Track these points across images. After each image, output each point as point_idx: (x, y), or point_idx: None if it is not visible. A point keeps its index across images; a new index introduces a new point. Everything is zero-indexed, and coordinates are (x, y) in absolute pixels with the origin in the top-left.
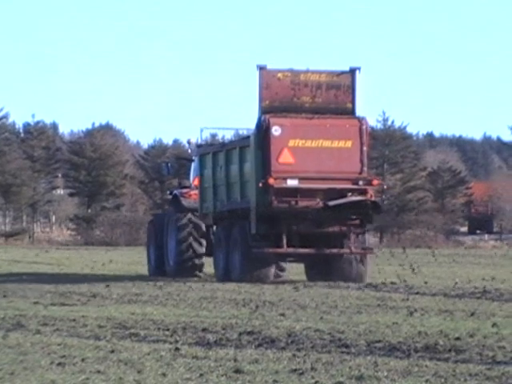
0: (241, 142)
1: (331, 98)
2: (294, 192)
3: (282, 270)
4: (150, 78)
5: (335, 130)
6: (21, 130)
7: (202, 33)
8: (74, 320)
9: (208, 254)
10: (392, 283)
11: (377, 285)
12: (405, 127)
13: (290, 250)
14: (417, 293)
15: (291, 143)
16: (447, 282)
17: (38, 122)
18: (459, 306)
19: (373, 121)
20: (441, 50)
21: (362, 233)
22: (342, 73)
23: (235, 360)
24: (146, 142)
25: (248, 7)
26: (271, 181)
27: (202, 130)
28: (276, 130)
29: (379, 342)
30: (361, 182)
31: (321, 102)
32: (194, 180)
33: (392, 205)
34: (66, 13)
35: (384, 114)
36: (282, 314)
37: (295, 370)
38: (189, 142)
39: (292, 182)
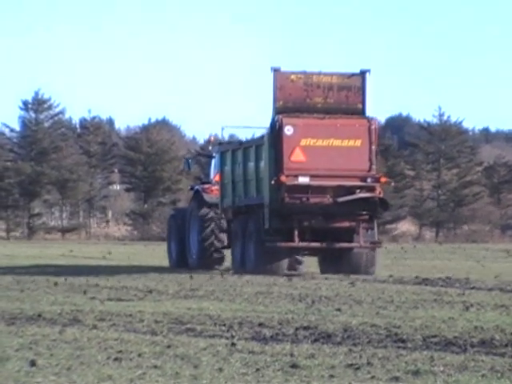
0: (256, 141)
1: (342, 98)
2: (305, 189)
3: (300, 262)
4: (206, 73)
5: (345, 129)
6: (77, 126)
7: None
8: (131, 315)
9: (229, 246)
10: (448, 278)
11: (433, 280)
12: (461, 122)
13: (302, 244)
14: (473, 288)
15: (303, 142)
16: (503, 277)
17: (94, 118)
18: None
19: (428, 115)
20: (495, 45)
21: (370, 228)
22: (353, 75)
23: (291, 355)
24: (201, 138)
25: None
26: (283, 178)
27: (223, 129)
28: (288, 130)
29: (435, 336)
30: (369, 180)
31: (332, 103)
32: (215, 176)
33: (448, 200)
34: (123, 8)
35: (440, 109)
36: (338, 309)
37: (351, 364)
38: (209, 140)
39: (303, 180)
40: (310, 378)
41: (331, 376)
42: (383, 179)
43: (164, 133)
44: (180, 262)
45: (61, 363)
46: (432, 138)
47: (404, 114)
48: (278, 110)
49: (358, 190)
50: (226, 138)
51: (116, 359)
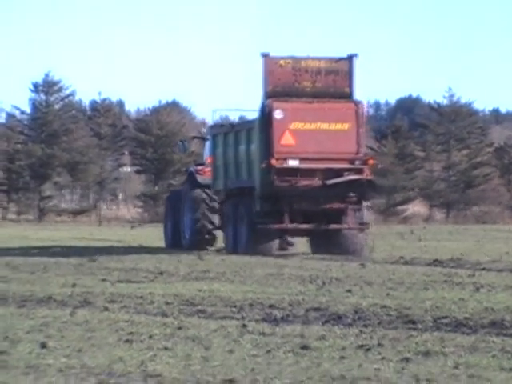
0: (247, 125)
1: (330, 82)
2: (294, 172)
3: (290, 244)
4: (211, 58)
5: (333, 113)
6: (87, 108)
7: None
8: (142, 297)
9: (221, 228)
10: (458, 259)
11: (443, 261)
12: (471, 103)
13: (291, 225)
14: (483, 269)
15: (292, 126)
16: None
17: (104, 100)
18: None
19: (439, 97)
20: (506, 25)
21: (358, 209)
22: (340, 59)
23: (302, 336)
24: (212, 120)
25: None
26: (273, 161)
27: (214, 112)
28: (278, 114)
29: (446, 317)
30: (357, 162)
31: (320, 87)
32: (207, 158)
33: (458, 181)
34: None
35: (450, 90)
36: (349, 291)
37: (362, 346)
38: (203, 123)
39: (293, 163)
40: (321, 359)
41: (342, 357)
42: (371, 161)
43: (174, 115)
44: (175, 242)
45: (71, 345)
46: (442, 119)
47: (414, 95)
48: (268, 95)
49: (347, 173)
50: (219, 120)
51: (127, 341)
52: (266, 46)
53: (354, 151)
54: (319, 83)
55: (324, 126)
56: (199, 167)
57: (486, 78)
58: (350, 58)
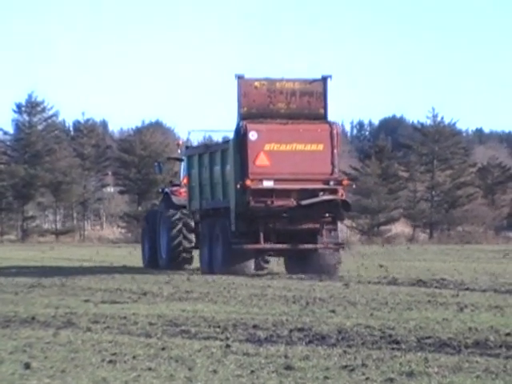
0: (222, 146)
1: (305, 104)
2: (269, 192)
3: (267, 261)
4: (201, 75)
5: (308, 134)
6: (71, 128)
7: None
8: (125, 317)
9: (197, 247)
10: (442, 279)
11: (427, 281)
12: (454, 123)
13: (267, 245)
14: (467, 289)
15: (267, 147)
16: (497, 278)
17: (87, 120)
18: (510, 302)
19: (422, 117)
20: (490, 46)
21: (333, 229)
22: (314, 80)
23: (286, 357)
24: (196, 140)
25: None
26: (248, 182)
27: (189, 133)
28: (253, 135)
29: (429, 338)
30: (332, 183)
31: (295, 108)
32: (183, 179)
33: (442, 201)
34: (116, 10)
35: (433, 110)
36: (333, 311)
37: (346, 366)
38: (178, 144)
39: (268, 183)
40: (305, 379)
41: (326, 378)
42: (345, 182)
43: (158, 135)
44: (152, 262)
45: (55, 366)
46: (426, 139)
47: (398, 115)
48: (243, 116)
49: (321, 193)
50: (195, 141)
51: (110, 362)
52: (244, 66)
53: (329, 172)
54: (294, 104)
55: (299, 146)
56: (174, 188)
57: (469, 98)
58: (324, 80)
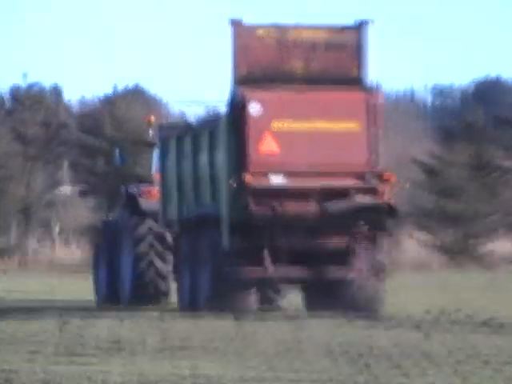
0: (210, 124)
1: (331, 62)
2: (279, 193)
3: (277, 291)
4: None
5: (336, 106)
6: (6, 99)
7: None
8: (89, 379)
9: (174, 273)
10: None
11: None
12: None
13: (275, 271)
14: None
15: (275, 126)
16: None
17: (31, 86)
18: None
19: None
20: None
21: (372, 247)
22: (346, 28)
23: None
24: (192, 113)
25: None
26: (248, 178)
27: (168, 104)
28: (255, 108)
29: None
30: (370, 178)
31: (317, 69)
32: (155, 174)
33: None
34: None
35: None
36: (406, 374)
37: None
38: (149, 121)
39: (276, 179)
40: None
41: None
42: (391, 177)
43: (138, 107)
44: (110, 295)
45: None
46: None
47: (493, 75)
48: (241, 81)
49: (355, 194)
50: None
51: None
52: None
53: (367, 162)
54: (315, 63)
55: (322, 125)
56: (144, 187)
57: None
58: (361, 26)
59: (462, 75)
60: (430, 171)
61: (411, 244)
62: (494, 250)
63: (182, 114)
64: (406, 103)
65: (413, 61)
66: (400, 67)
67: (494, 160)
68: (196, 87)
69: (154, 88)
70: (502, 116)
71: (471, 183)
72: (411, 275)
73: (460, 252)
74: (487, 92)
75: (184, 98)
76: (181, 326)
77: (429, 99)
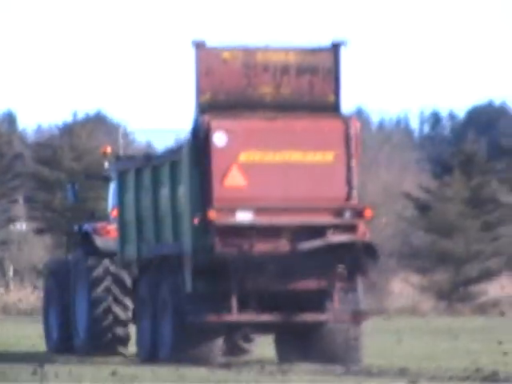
0: (172, 155)
1: (304, 87)
2: (247, 231)
3: (249, 339)
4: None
5: (310, 135)
6: None
7: None
8: None
9: (133, 320)
10: None
11: None
12: None
13: (243, 316)
14: None
15: (243, 157)
16: None
17: None
18: None
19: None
20: None
21: (351, 289)
22: (320, 50)
23: None
24: (159, 143)
25: None
26: (213, 214)
27: (124, 133)
28: (219, 138)
29: None
30: (348, 214)
31: (288, 95)
32: (113, 209)
33: None
34: None
35: None
36: None
37: None
38: (105, 152)
39: (244, 216)
40: None
41: None
42: (368, 212)
43: (99, 136)
44: (63, 343)
45: None
46: None
47: (497, 102)
48: (205, 108)
49: (331, 231)
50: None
51: None
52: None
53: (343, 196)
54: (286, 89)
55: (294, 156)
56: (99, 224)
57: None
58: (336, 48)
59: (452, 101)
60: (423, 207)
61: (403, 287)
62: (494, 292)
63: (149, 144)
64: (398, 132)
65: (399, 86)
66: (387, 93)
67: (495, 195)
68: (164, 114)
69: (117, 115)
70: (504, 146)
71: (469, 220)
72: (399, 320)
73: (456, 297)
74: (486, 119)
75: (149, 125)
76: (147, 373)
77: (417, 127)
